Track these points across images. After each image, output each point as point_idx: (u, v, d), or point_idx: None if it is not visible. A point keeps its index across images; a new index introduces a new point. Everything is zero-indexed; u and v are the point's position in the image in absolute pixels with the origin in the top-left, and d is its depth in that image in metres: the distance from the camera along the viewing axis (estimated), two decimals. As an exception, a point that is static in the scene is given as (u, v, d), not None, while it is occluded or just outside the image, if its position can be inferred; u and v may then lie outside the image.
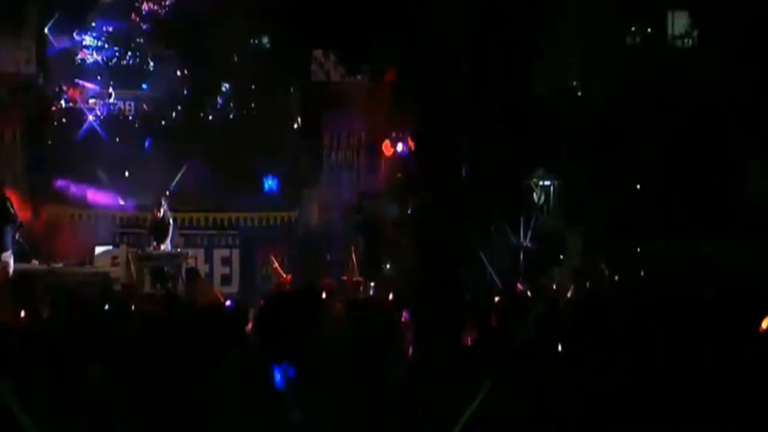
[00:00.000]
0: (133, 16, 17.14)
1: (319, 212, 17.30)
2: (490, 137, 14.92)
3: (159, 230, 15.40)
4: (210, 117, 17.65)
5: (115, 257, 15.44)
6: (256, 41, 17.72)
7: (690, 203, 16.00)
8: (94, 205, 16.76)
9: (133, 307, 10.68)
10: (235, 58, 17.56)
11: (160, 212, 15.37)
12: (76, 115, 17.20)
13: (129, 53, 17.51)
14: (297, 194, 17.54)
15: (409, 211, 15.77)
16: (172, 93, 17.56)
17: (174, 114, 17.62)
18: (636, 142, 16.42)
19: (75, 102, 17.23)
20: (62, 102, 17.16)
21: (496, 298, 10.89)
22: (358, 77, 16.95)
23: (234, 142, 17.01)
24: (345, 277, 14.82)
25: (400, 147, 16.75)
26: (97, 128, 17.15)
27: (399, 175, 16.58)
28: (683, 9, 17.72)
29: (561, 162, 16.71)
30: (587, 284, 11.64)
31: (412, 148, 16.17)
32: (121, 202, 16.17)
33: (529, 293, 11.31)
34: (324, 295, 9.32)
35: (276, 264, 15.57)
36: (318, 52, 17.21)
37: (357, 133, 17.68)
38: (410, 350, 7.63)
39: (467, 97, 14.34)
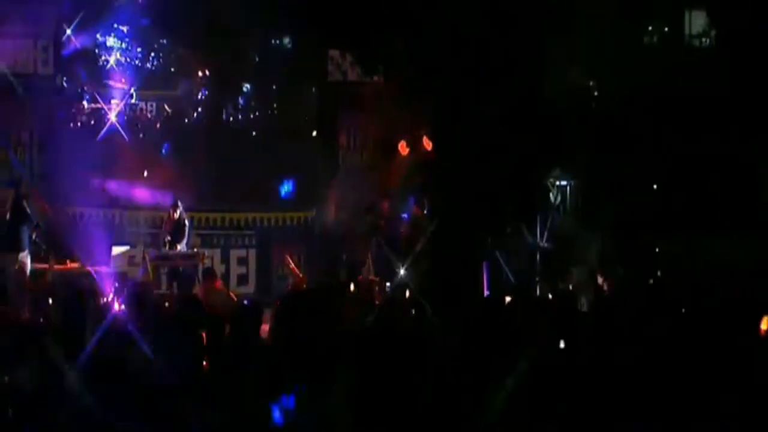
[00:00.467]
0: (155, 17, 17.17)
1: (335, 212, 17.31)
2: (505, 137, 14.88)
3: (175, 230, 15.43)
4: (231, 118, 17.68)
5: (132, 257, 15.48)
6: (278, 41, 17.74)
7: (706, 204, 15.92)
8: (111, 205, 16.83)
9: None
10: (256, 59, 17.58)
11: (176, 212, 15.40)
12: (96, 115, 17.28)
13: (152, 54, 17.58)
14: (313, 194, 17.55)
15: (425, 211, 15.75)
16: (194, 94, 17.63)
17: (195, 115, 17.67)
18: (652, 142, 16.35)
19: (96, 102, 17.32)
20: (84, 103, 17.24)
21: (508, 299, 10.88)
22: (375, 78, 16.92)
23: (252, 143, 17.03)
24: (361, 277, 14.81)
25: (415, 147, 16.73)
26: (116, 128, 17.22)
27: (415, 175, 16.55)
28: (701, 8, 17.63)
29: (577, 162, 16.65)
30: (605, 285, 11.59)
31: (428, 149, 16.15)
32: (157, 201, 16.11)
33: (548, 294, 11.31)
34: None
35: (292, 264, 15.59)
36: (335, 53, 17.23)
37: (374, 134, 17.68)
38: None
39: (482, 97, 14.32)
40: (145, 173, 16.92)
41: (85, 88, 17.26)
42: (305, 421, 5.94)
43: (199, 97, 17.76)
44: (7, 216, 14.01)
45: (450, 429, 6.00)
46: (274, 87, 17.70)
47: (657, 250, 15.76)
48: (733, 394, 6.09)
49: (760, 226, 15.27)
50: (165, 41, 17.53)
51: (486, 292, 14.13)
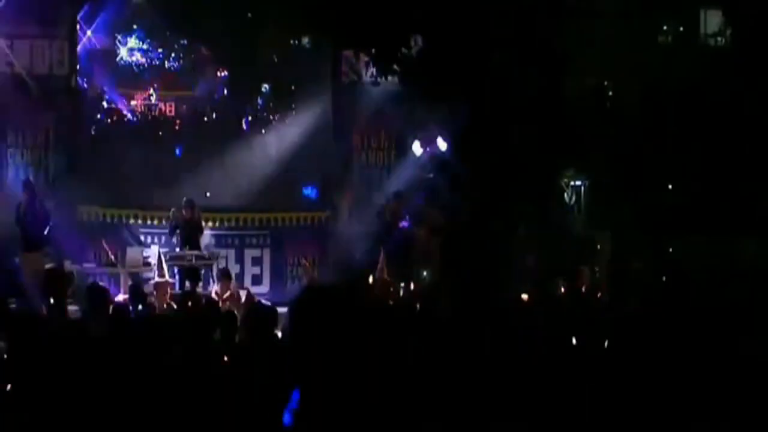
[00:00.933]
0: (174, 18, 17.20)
1: (349, 212, 17.32)
2: (520, 137, 14.87)
3: (190, 231, 15.46)
4: (249, 118, 17.72)
5: (146, 257, 15.52)
6: (297, 41, 17.76)
7: (722, 204, 15.87)
8: (127, 205, 16.88)
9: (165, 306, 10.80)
10: (275, 59, 17.61)
11: (190, 212, 15.43)
12: (114, 115, 17.34)
13: (172, 55, 17.64)
14: (328, 194, 17.57)
15: (439, 212, 15.74)
16: (213, 94, 17.69)
17: (214, 115, 17.71)
18: (668, 142, 16.31)
19: (115, 103, 17.39)
20: (104, 103, 17.30)
21: (524, 296, 10.87)
22: (390, 78, 16.93)
23: (269, 143, 17.05)
24: (374, 277, 14.81)
25: (430, 148, 16.73)
26: (134, 128, 17.29)
27: (430, 175, 16.57)
28: (716, 7, 17.57)
29: (592, 162, 16.62)
30: (621, 286, 11.57)
31: (443, 149, 16.16)
32: (172, 201, 16.14)
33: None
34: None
35: (307, 264, 15.62)
36: (349, 53, 17.23)
37: (388, 134, 17.68)
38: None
39: (497, 97, 14.32)
40: (162, 173, 16.97)
41: (105, 88, 17.33)
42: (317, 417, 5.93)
43: (217, 97, 17.80)
44: (24, 216, 14.08)
45: (465, 427, 6.00)
46: (292, 87, 17.71)
47: (670, 250, 15.71)
48: (748, 395, 6.07)
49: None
50: (185, 42, 17.58)
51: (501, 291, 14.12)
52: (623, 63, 16.73)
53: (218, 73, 17.76)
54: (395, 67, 15.26)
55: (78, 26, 16.88)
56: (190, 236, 15.41)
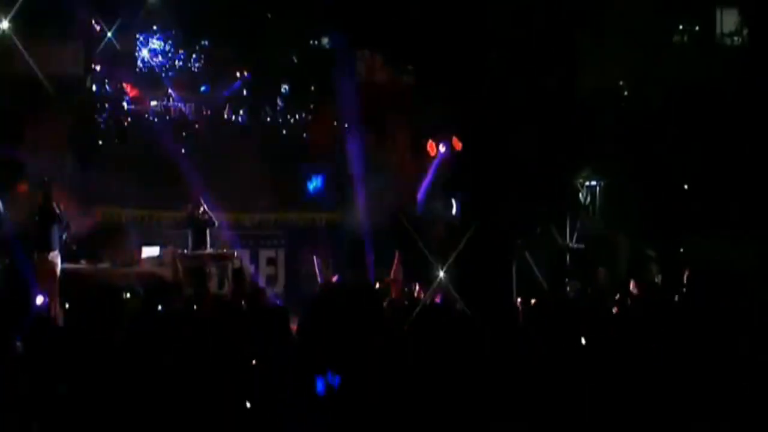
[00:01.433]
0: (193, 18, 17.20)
1: (363, 213, 17.30)
2: (535, 137, 14.82)
3: (197, 230, 15.48)
4: (268, 118, 17.71)
5: (161, 258, 15.54)
6: (316, 42, 17.75)
7: (738, 204, 15.79)
8: (141, 205, 16.91)
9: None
10: (295, 60, 17.60)
11: (198, 212, 15.45)
12: (132, 116, 17.36)
13: (193, 56, 17.66)
14: (342, 195, 17.56)
15: (453, 212, 15.72)
16: (233, 95, 17.70)
17: (233, 116, 17.72)
18: (683, 142, 16.24)
19: (136, 103, 17.42)
20: (124, 104, 17.32)
21: (533, 301, 10.84)
22: (404, 77, 16.92)
23: (282, 144, 17.05)
24: (389, 278, 14.80)
25: (443, 148, 16.70)
26: (153, 129, 17.32)
27: (443, 175, 16.55)
28: (732, 6, 17.48)
29: (607, 162, 16.56)
30: (638, 287, 11.52)
31: (457, 149, 16.13)
32: (186, 202, 16.15)
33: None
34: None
35: (321, 264, 15.61)
36: (364, 53, 17.24)
37: (402, 134, 17.66)
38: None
39: (512, 97, 14.27)
40: (179, 174, 17.00)
41: (125, 89, 17.35)
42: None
43: (237, 98, 17.82)
44: (37, 217, 14.10)
45: (480, 428, 5.98)
46: (312, 88, 17.70)
47: (681, 250, 15.65)
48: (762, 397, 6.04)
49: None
50: (205, 43, 17.60)
51: (515, 293, 14.10)
52: (639, 63, 16.67)
53: (238, 74, 17.76)
54: (409, 66, 15.26)
55: (98, 27, 16.90)
56: (199, 234, 15.43)
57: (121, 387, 6.16)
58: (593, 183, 16.99)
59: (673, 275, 12.54)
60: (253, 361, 6.65)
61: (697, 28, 17.70)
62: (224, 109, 17.76)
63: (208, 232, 15.49)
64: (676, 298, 10.08)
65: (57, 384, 6.20)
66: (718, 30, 17.69)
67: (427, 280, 14.64)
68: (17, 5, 15.71)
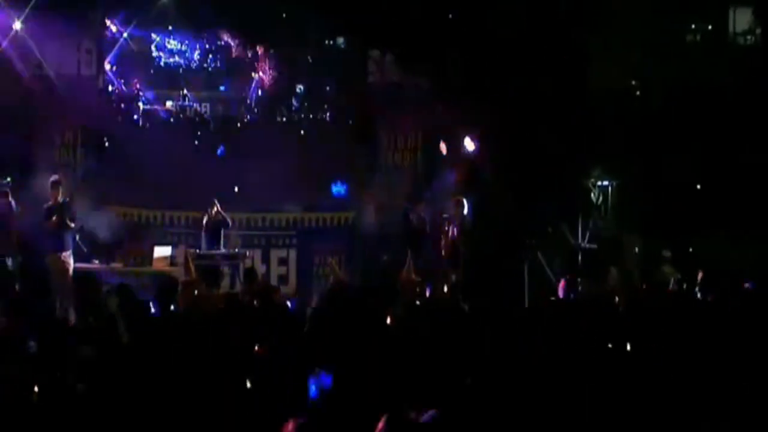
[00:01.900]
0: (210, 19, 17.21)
1: (375, 213, 17.30)
2: (548, 137, 14.80)
3: (211, 230, 15.49)
4: (284, 118, 17.73)
5: (173, 257, 15.56)
6: (332, 42, 17.75)
7: (751, 204, 15.73)
8: (153, 205, 16.94)
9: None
10: (310, 60, 17.60)
11: (212, 213, 15.47)
12: (149, 116, 17.40)
13: (209, 56, 17.69)
14: (354, 195, 17.56)
15: (465, 212, 15.69)
16: (248, 95, 17.72)
17: (248, 116, 17.74)
18: (696, 142, 16.19)
19: (151, 103, 17.45)
20: (140, 104, 17.36)
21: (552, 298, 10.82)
22: (416, 78, 16.90)
23: (295, 143, 17.06)
24: (401, 278, 14.77)
25: (456, 148, 16.67)
26: (169, 128, 17.37)
27: (457, 175, 16.51)
28: (746, 5, 17.41)
29: (619, 162, 16.52)
30: (653, 287, 11.49)
31: (470, 149, 16.11)
32: (200, 201, 16.15)
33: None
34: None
35: (333, 264, 15.62)
36: (375, 52, 17.23)
37: (414, 134, 17.65)
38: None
39: (525, 97, 14.27)
40: (193, 173, 17.03)
41: (140, 88, 17.39)
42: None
43: (252, 97, 17.84)
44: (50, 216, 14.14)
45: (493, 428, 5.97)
46: (327, 88, 17.70)
47: (690, 250, 15.60)
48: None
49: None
50: (222, 42, 17.63)
51: (527, 293, 14.09)
52: (651, 63, 16.62)
53: (253, 74, 17.79)
54: (422, 66, 15.25)
55: (114, 27, 16.94)
56: (214, 234, 15.45)
57: (133, 386, 6.17)
58: (605, 183, 16.94)
59: (687, 276, 12.51)
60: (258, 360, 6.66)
61: (709, 27, 17.64)
62: (239, 108, 17.78)
63: (222, 232, 15.50)
64: (689, 298, 10.07)
65: (68, 383, 6.21)
66: (731, 29, 17.62)
67: (439, 280, 14.63)
68: (30, 4, 15.77)
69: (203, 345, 6.79)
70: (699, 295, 9.99)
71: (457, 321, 8.36)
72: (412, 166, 17.64)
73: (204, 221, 15.65)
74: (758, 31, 17.32)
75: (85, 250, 14.83)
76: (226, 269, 15.57)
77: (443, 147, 16.86)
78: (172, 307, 9.50)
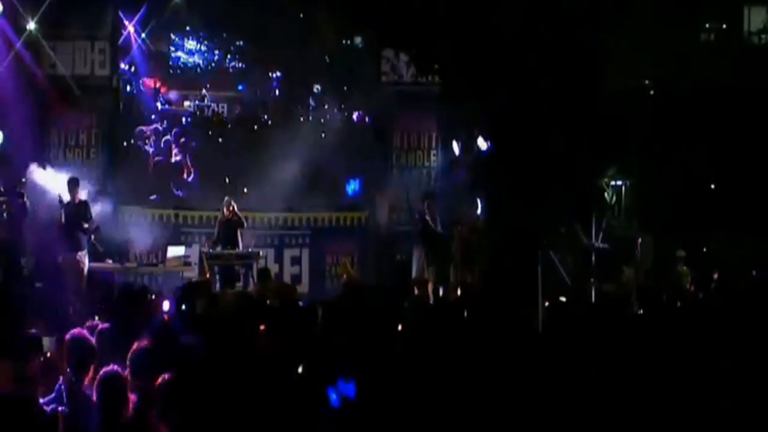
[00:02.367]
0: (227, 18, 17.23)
1: (389, 213, 17.31)
2: (561, 137, 14.77)
3: (227, 230, 15.52)
4: (301, 118, 17.76)
5: (187, 257, 15.60)
6: (349, 41, 17.76)
7: (766, 203, 15.68)
8: (167, 205, 16.98)
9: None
10: (327, 59, 17.62)
11: (229, 212, 15.49)
12: (165, 116, 17.44)
13: (228, 56, 17.72)
14: (368, 194, 17.57)
15: (478, 212, 15.68)
16: (266, 94, 17.75)
17: (266, 116, 17.76)
18: (710, 141, 16.14)
19: (169, 103, 17.50)
20: (158, 104, 17.40)
21: (563, 298, 10.80)
22: (430, 77, 16.90)
23: (312, 143, 17.09)
24: (414, 278, 14.80)
25: (469, 148, 16.67)
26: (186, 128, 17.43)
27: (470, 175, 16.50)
28: (760, 4, 17.34)
29: (633, 162, 16.47)
30: (666, 287, 11.45)
31: (483, 148, 16.09)
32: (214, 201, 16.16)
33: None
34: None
35: (346, 264, 15.64)
36: (389, 53, 17.24)
37: (427, 134, 17.66)
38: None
39: (538, 96, 14.23)
40: (210, 173, 17.09)
41: (159, 89, 17.43)
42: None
43: (269, 97, 17.86)
44: (65, 216, 14.20)
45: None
46: (345, 88, 17.72)
47: (704, 250, 15.55)
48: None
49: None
50: (240, 42, 17.66)
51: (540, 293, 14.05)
52: (665, 62, 16.57)
53: (270, 74, 17.81)
54: (435, 66, 15.23)
55: (132, 28, 16.99)
56: (229, 234, 15.47)
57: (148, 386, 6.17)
58: (619, 183, 16.90)
59: (702, 275, 12.49)
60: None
61: (724, 26, 17.57)
62: (259, 108, 17.80)
63: (238, 232, 15.53)
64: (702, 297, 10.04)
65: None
66: (745, 28, 17.55)
67: (453, 279, 14.64)
68: (44, 5, 15.82)
69: (222, 345, 6.78)
70: (713, 295, 9.96)
71: (470, 321, 8.34)
72: (426, 166, 17.64)
73: (218, 221, 15.68)
74: (773, 29, 17.26)
75: (101, 250, 14.87)
76: (240, 269, 15.59)
77: (456, 146, 16.86)
78: (183, 307, 9.53)
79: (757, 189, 15.94)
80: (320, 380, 5.94)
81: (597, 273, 15.26)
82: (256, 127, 17.62)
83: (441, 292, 14.02)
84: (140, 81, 17.31)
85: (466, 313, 8.24)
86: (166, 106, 17.46)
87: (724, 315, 7.83)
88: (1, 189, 14.61)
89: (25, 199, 14.43)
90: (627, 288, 13.52)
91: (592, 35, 14.55)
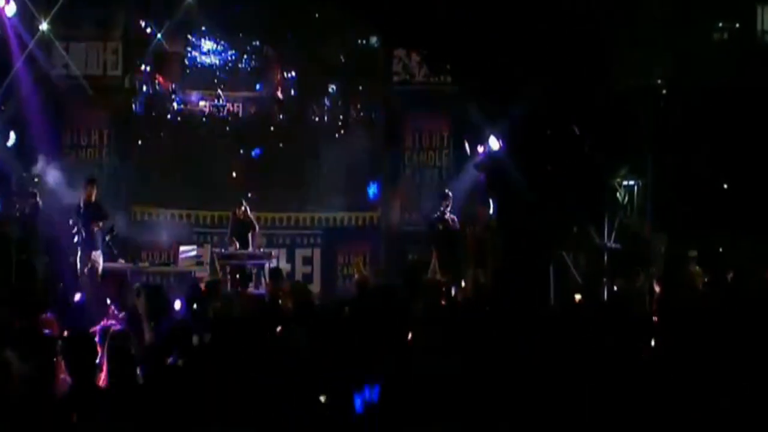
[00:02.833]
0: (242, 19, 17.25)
1: (401, 212, 17.30)
2: (573, 136, 14.74)
3: (239, 230, 15.54)
4: (316, 118, 17.76)
5: (198, 257, 15.63)
6: (364, 41, 17.76)
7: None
8: (180, 205, 17.01)
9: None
10: (342, 59, 17.62)
11: (241, 212, 15.51)
12: (178, 115, 17.48)
13: (244, 57, 17.75)
14: (380, 194, 17.57)
15: (490, 211, 15.67)
16: (281, 95, 17.77)
17: (281, 115, 17.78)
18: (722, 141, 16.08)
19: (183, 103, 17.53)
20: (174, 104, 17.44)
21: (577, 297, 10.78)
22: (441, 77, 16.89)
23: (327, 143, 17.09)
24: (427, 278, 14.77)
25: (481, 148, 16.64)
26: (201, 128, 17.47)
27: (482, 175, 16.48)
28: (774, 3, 17.26)
29: (646, 161, 16.43)
30: (679, 287, 11.41)
31: (495, 148, 16.06)
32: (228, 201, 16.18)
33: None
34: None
35: (358, 263, 15.64)
36: (401, 52, 17.23)
37: (439, 134, 17.65)
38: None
39: (550, 96, 14.20)
40: (223, 173, 17.11)
41: (175, 89, 17.47)
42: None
43: (285, 97, 17.88)
44: (81, 216, 14.24)
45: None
46: (360, 87, 17.71)
47: (721, 250, 15.48)
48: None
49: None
50: (257, 43, 17.68)
51: (552, 293, 14.04)
52: (677, 61, 16.52)
53: (285, 74, 17.82)
54: (447, 66, 15.21)
55: (149, 29, 17.03)
56: (241, 235, 15.49)
57: (160, 386, 6.19)
58: (631, 182, 16.85)
59: (716, 276, 12.43)
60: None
61: (737, 25, 17.50)
62: (274, 108, 17.81)
63: (249, 233, 15.55)
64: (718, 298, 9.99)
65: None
66: (759, 27, 17.47)
67: (465, 280, 14.62)
68: (57, 6, 15.86)
69: (238, 346, 6.78)
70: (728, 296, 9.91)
71: (482, 322, 8.33)
72: (438, 166, 17.63)
73: (231, 221, 15.70)
74: (787, 29, 17.18)
75: (116, 252, 14.91)
76: (252, 269, 15.61)
77: (468, 146, 16.84)
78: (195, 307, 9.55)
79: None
80: (345, 385, 5.94)
81: (609, 273, 15.24)
82: (271, 127, 17.63)
83: (453, 292, 14.00)
84: (156, 81, 17.33)
85: (477, 313, 8.24)
86: (182, 106, 17.48)
87: (737, 315, 7.79)
88: (14, 189, 14.67)
89: (38, 198, 14.47)
90: (640, 290, 13.47)
91: (605, 35, 14.52)
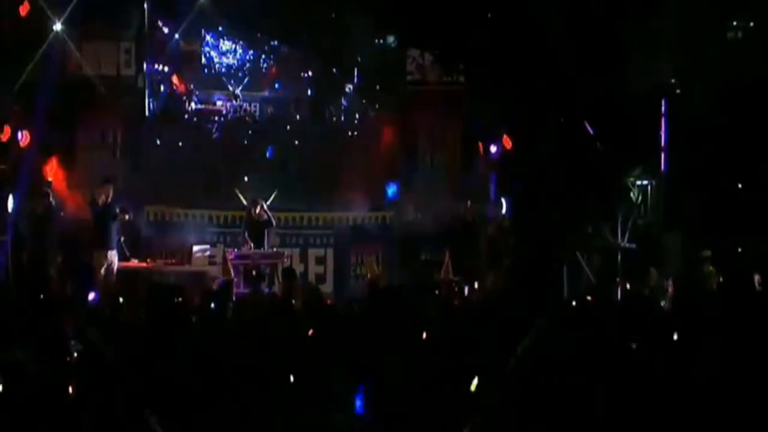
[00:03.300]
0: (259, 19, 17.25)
1: (414, 212, 17.29)
2: (587, 136, 14.73)
3: (255, 230, 15.55)
4: (333, 118, 17.76)
5: (212, 256, 15.64)
6: (382, 41, 17.75)
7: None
8: (193, 204, 17.02)
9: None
10: (359, 59, 17.62)
11: (256, 212, 15.52)
12: (197, 115, 17.50)
13: (262, 57, 17.76)
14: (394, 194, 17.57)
15: (503, 211, 15.66)
16: (298, 94, 17.78)
17: (298, 116, 17.78)
18: (736, 140, 16.02)
19: (202, 103, 17.55)
20: (193, 104, 17.46)
21: (589, 297, 10.75)
22: (455, 77, 16.88)
23: (336, 144, 17.08)
24: (440, 278, 14.77)
25: (494, 148, 16.63)
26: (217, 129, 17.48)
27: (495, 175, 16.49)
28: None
29: (659, 161, 16.39)
30: (693, 286, 11.37)
31: (509, 148, 16.06)
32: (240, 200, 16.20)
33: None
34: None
35: (371, 263, 15.64)
36: (414, 52, 17.22)
37: (453, 134, 17.63)
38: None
39: (564, 96, 14.19)
40: (237, 173, 17.12)
41: (192, 89, 17.49)
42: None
43: (302, 98, 17.89)
44: (96, 215, 14.28)
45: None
46: (377, 87, 17.70)
47: (739, 250, 15.42)
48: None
49: None
50: (275, 43, 17.68)
51: (565, 293, 14.02)
52: (691, 60, 16.46)
53: (302, 74, 17.82)
54: (460, 65, 15.20)
55: (166, 29, 17.06)
56: (256, 234, 15.50)
57: (175, 385, 6.20)
58: (645, 182, 16.81)
59: (732, 277, 12.39)
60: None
61: (751, 24, 17.44)
62: (289, 108, 17.81)
63: (266, 232, 15.56)
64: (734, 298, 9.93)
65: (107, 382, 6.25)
66: (773, 26, 17.40)
67: (478, 279, 14.60)
68: (71, 6, 15.91)
69: (254, 345, 6.79)
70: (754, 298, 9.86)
71: (495, 322, 8.31)
72: (451, 166, 17.61)
73: (245, 221, 15.72)
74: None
75: (127, 253, 14.94)
76: (265, 269, 15.61)
77: (481, 146, 16.83)
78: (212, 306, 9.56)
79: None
80: (347, 386, 5.93)
81: (623, 272, 15.21)
82: (288, 127, 17.64)
83: (466, 292, 13.98)
84: (172, 81, 17.35)
85: (490, 313, 8.22)
86: (200, 106, 17.50)
87: (753, 315, 7.75)
88: (28, 189, 14.71)
89: (51, 198, 14.51)
90: (653, 289, 13.44)
91: (619, 34, 14.50)
